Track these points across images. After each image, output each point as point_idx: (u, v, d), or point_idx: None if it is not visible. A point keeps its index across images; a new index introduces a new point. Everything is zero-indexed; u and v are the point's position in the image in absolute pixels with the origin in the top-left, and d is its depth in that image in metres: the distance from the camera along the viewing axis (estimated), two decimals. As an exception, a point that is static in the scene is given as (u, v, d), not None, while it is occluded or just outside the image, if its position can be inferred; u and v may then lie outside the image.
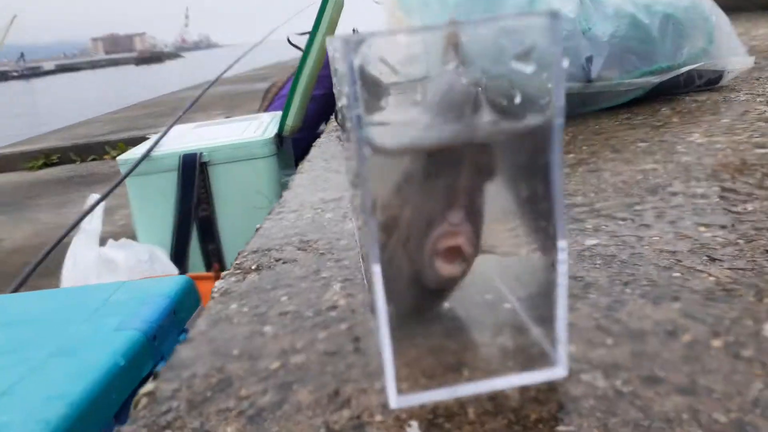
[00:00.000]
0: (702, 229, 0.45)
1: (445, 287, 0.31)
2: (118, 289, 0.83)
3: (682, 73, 0.86)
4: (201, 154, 1.48)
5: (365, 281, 0.41)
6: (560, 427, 0.27)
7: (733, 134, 0.69)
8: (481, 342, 0.33)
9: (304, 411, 0.30)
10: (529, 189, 0.29)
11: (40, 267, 1.07)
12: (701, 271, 0.38)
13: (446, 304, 0.36)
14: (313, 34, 1.75)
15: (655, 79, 0.84)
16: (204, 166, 1.50)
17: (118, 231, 2.31)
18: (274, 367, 0.33)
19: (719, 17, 0.94)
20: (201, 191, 1.51)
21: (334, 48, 0.24)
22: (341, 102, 0.31)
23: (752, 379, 0.28)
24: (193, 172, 1.48)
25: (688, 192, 0.53)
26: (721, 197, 0.51)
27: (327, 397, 0.30)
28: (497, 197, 0.32)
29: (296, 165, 0.99)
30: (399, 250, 0.31)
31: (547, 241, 0.28)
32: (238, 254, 0.51)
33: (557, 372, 0.30)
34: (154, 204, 1.50)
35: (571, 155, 0.68)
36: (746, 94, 0.88)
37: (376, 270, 0.27)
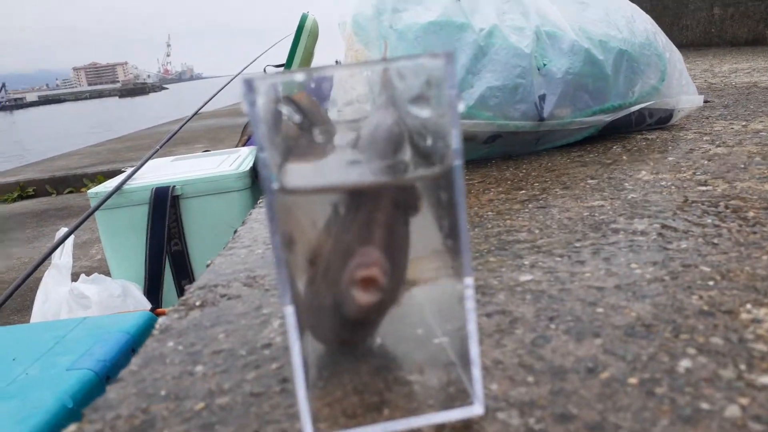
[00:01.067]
0: (634, 266, 0.46)
1: (364, 318, 0.31)
2: (78, 325, 0.82)
3: (634, 112, 0.88)
4: (174, 187, 1.48)
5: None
6: (467, 466, 0.27)
7: (678, 172, 0.72)
8: (406, 380, 0.34)
9: (221, 452, 0.30)
10: (446, 225, 0.30)
11: (14, 302, 1.06)
12: (624, 307, 0.39)
13: (378, 340, 0.37)
14: (288, 65, 1.78)
15: (607, 118, 0.86)
16: (176, 199, 1.49)
17: (95, 266, 2.28)
18: (198, 407, 0.33)
19: (672, 54, 0.96)
20: (173, 225, 1.50)
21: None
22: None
23: (659, 417, 0.29)
24: (165, 206, 1.47)
25: (629, 229, 0.55)
26: (660, 234, 0.52)
27: (247, 437, 0.30)
28: (424, 232, 0.33)
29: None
30: (322, 282, 0.31)
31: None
32: (185, 290, 0.51)
33: (474, 410, 0.31)
34: (126, 238, 1.49)
35: (522, 192, 0.70)
36: (694, 132, 0.91)
37: (288, 311, 0.27)
